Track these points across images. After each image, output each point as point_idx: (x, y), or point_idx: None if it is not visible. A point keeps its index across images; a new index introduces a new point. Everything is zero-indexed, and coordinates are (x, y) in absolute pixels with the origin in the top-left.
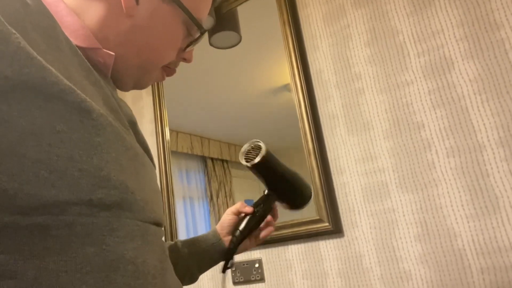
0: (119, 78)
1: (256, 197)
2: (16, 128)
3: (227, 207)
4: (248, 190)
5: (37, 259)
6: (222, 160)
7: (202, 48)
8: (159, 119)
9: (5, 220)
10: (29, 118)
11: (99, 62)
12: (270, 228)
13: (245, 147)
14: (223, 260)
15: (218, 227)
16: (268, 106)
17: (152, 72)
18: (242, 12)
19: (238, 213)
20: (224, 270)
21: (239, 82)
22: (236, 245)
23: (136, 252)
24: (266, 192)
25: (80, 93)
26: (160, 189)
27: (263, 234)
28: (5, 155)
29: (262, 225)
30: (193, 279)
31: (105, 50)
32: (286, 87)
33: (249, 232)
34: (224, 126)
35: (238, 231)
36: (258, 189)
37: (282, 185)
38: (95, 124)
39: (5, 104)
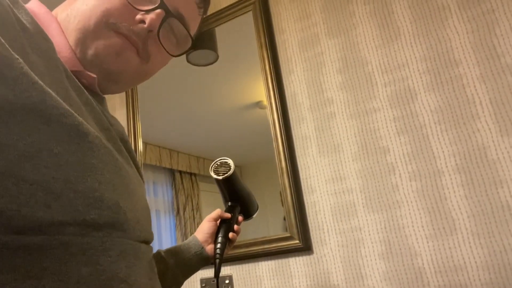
0: (112, 81)
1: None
2: (15, 151)
3: (194, 221)
4: (216, 205)
5: (35, 279)
6: (191, 173)
7: (179, 64)
8: (132, 132)
9: (2, 240)
10: (27, 141)
11: (83, 83)
12: (237, 227)
13: (215, 162)
14: (204, 266)
15: (199, 235)
16: (239, 121)
17: (103, 38)
18: (221, 32)
19: (217, 219)
20: (216, 275)
21: (211, 97)
22: (223, 250)
23: (129, 270)
24: (230, 203)
25: (77, 116)
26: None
27: (236, 229)
28: (3, 177)
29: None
30: (179, 285)
31: (87, 72)
32: (258, 104)
33: (228, 237)
34: (194, 139)
35: (220, 237)
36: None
37: (241, 197)
38: (91, 146)
39: (5, 127)
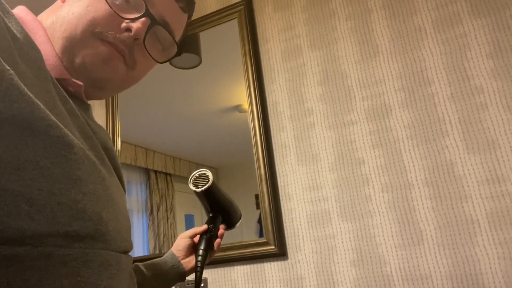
0: (99, 87)
1: (197, 213)
2: (0, 162)
3: (167, 221)
4: (189, 206)
5: None
6: (166, 174)
7: (161, 66)
8: (111, 131)
9: None
10: (14, 153)
11: (69, 91)
12: (218, 240)
13: (194, 175)
14: (180, 281)
15: (175, 251)
16: (217, 124)
17: (91, 45)
18: (205, 37)
19: (193, 236)
20: (197, 287)
21: (191, 99)
22: (203, 262)
23: (111, 281)
24: (211, 214)
25: (63, 128)
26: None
27: (216, 243)
28: None
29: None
30: None
31: (74, 80)
32: (237, 108)
33: (209, 248)
34: (171, 140)
35: (201, 249)
36: (199, 205)
37: (222, 207)
38: (76, 158)
39: None
